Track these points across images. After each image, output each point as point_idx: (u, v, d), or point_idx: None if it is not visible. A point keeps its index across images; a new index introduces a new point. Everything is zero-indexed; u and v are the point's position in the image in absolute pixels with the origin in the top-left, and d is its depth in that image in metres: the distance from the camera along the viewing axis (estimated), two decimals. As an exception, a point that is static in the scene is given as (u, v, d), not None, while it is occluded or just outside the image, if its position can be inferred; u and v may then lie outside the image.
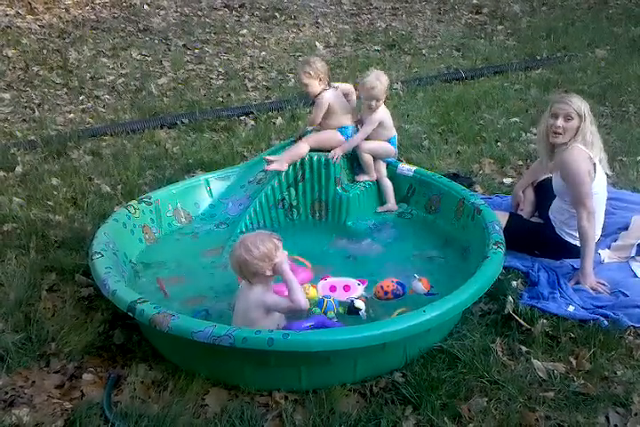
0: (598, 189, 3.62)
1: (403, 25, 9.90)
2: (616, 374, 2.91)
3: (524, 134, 5.66)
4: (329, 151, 4.24)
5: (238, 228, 4.15)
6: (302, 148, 4.25)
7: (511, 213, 4.04)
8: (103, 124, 6.19)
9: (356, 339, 2.68)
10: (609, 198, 3.85)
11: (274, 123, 6.09)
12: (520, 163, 5.13)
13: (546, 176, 4.14)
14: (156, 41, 8.91)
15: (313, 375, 2.83)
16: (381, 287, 3.40)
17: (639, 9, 10.29)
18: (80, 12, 9.84)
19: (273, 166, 4.22)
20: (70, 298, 3.45)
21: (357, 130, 4.32)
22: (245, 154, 5.36)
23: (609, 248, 3.88)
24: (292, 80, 7.43)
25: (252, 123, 6.16)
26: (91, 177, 4.97)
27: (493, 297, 3.39)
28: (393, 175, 4.38)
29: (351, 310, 3.26)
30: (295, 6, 10.55)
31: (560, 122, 3.58)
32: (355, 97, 4.36)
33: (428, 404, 2.69)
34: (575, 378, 2.88)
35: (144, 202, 4.01)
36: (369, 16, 10.38)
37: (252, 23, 9.83)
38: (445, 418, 2.64)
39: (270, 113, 6.31)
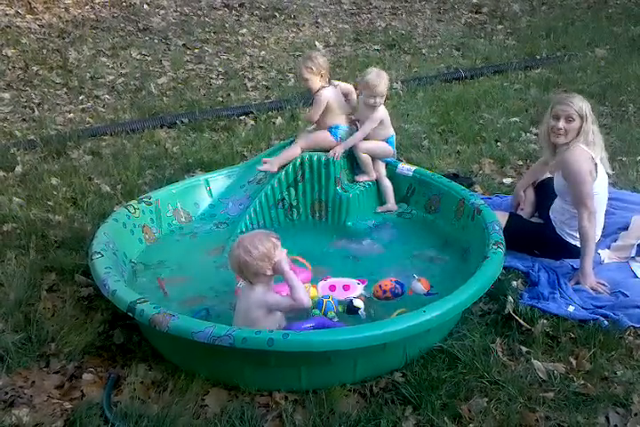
0: (599, 189, 3.62)
1: (402, 24, 9.89)
2: (616, 374, 2.91)
3: (523, 134, 5.66)
4: (325, 151, 4.25)
5: (238, 228, 4.15)
6: (294, 150, 4.27)
7: (511, 213, 4.04)
8: (103, 123, 6.19)
9: (356, 339, 2.68)
10: (609, 198, 3.85)
11: (273, 122, 6.09)
12: (520, 163, 5.13)
13: (546, 176, 4.14)
14: (156, 40, 8.91)
15: (313, 376, 2.83)
16: (380, 287, 3.41)
17: (639, 8, 10.29)
18: (80, 11, 9.83)
19: (264, 167, 4.26)
20: (70, 298, 3.45)
21: (357, 129, 4.32)
22: (245, 154, 5.36)
23: (609, 248, 3.88)
24: (292, 80, 7.43)
25: (252, 122, 6.16)
26: (90, 177, 4.97)
27: (493, 297, 3.39)
28: (392, 175, 4.38)
29: (350, 309, 3.26)
30: (295, 6, 10.54)
31: (562, 123, 3.59)
32: (355, 96, 4.35)
33: (428, 404, 2.69)
34: (575, 378, 2.88)
35: (144, 202, 4.01)
36: (369, 15, 10.37)
37: (251, 23, 9.83)
38: (445, 418, 2.64)
39: (270, 113, 6.31)
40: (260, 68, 7.98)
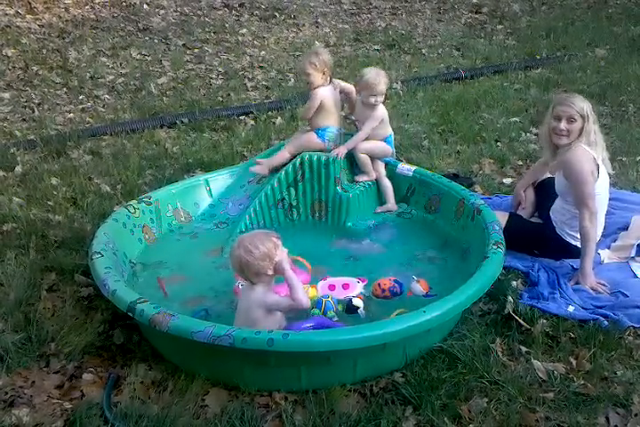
0: (601, 189, 3.62)
1: (402, 24, 9.90)
2: (616, 374, 2.91)
3: (523, 134, 5.66)
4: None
5: (238, 228, 4.15)
6: (282, 154, 4.31)
7: (511, 213, 4.04)
8: (103, 123, 6.19)
9: (356, 339, 2.68)
10: (609, 198, 3.85)
11: (273, 122, 6.09)
12: (520, 163, 5.14)
13: (546, 176, 4.14)
14: (156, 40, 8.91)
15: (313, 376, 2.83)
16: (379, 285, 3.42)
17: (639, 8, 10.29)
18: (80, 11, 9.83)
19: (256, 169, 4.33)
20: (70, 298, 3.45)
21: (357, 128, 4.33)
22: (245, 154, 5.36)
23: (609, 248, 3.88)
24: (292, 80, 7.43)
25: (252, 122, 6.16)
26: (90, 177, 4.97)
27: (493, 297, 3.39)
28: (392, 175, 4.38)
29: (349, 308, 3.26)
30: (295, 6, 10.54)
31: (563, 124, 3.58)
32: (355, 96, 4.36)
33: (429, 404, 2.69)
34: (575, 378, 2.88)
35: (144, 202, 4.01)
36: (369, 15, 10.38)
37: (251, 23, 9.83)
38: (445, 418, 2.64)
39: (270, 113, 6.31)
40: (260, 68, 7.98)
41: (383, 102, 4.26)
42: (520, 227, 3.86)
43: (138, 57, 8.26)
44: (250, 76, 7.65)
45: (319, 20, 10.03)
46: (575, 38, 8.63)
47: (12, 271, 3.62)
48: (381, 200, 4.40)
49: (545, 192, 4.01)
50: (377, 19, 10.19)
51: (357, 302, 3.27)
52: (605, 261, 3.78)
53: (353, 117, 4.46)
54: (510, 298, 3.31)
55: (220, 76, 7.69)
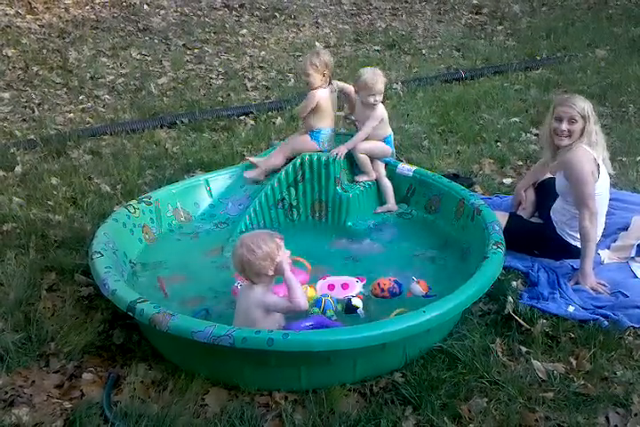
0: (601, 189, 3.62)
1: (403, 25, 9.90)
2: (616, 374, 2.91)
3: (523, 134, 5.66)
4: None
5: (238, 228, 4.15)
6: (277, 159, 4.33)
7: (511, 213, 4.04)
8: (103, 123, 6.19)
9: (356, 339, 2.68)
10: (609, 199, 3.85)
11: (273, 123, 6.09)
12: (520, 163, 5.14)
13: (547, 176, 4.14)
14: (156, 41, 8.91)
15: (313, 375, 2.83)
16: (378, 285, 3.42)
17: (639, 9, 10.30)
18: (80, 11, 9.83)
19: (250, 175, 4.34)
20: (70, 298, 3.45)
21: (357, 129, 4.34)
22: (245, 154, 5.35)
23: (609, 249, 3.88)
24: (292, 80, 7.43)
25: (252, 123, 6.16)
26: (90, 177, 4.97)
27: (493, 297, 3.39)
28: (392, 175, 4.38)
29: (349, 308, 3.26)
30: (295, 6, 10.54)
31: (565, 125, 3.58)
32: (354, 95, 4.37)
33: (428, 404, 2.69)
34: (575, 378, 2.88)
35: (144, 202, 4.01)
36: (369, 16, 10.38)
37: (251, 23, 9.83)
38: (445, 418, 2.64)
39: (270, 113, 6.31)
40: (260, 68, 7.99)
41: (383, 102, 4.27)
42: (520, 227, 3.86)
43: (138, 57, 8.26)
44: (250, 77, 7.65)
45: (319, 21, 10.03)
46: (575, 39, 8.63)
47: (12, 271, 3.62)
48: (381, 200, 4.40)
49: (545, 192, 4.01)
50: (377, 19, 10.20)
51: (357, 302, 3.28)
52: (605, 262, 3.78)
53: (353, 118, 4.47)
54: (510, 298, 3.31)
55: (220, 77, 7.70)
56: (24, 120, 6.28)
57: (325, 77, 4.19)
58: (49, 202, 4.51)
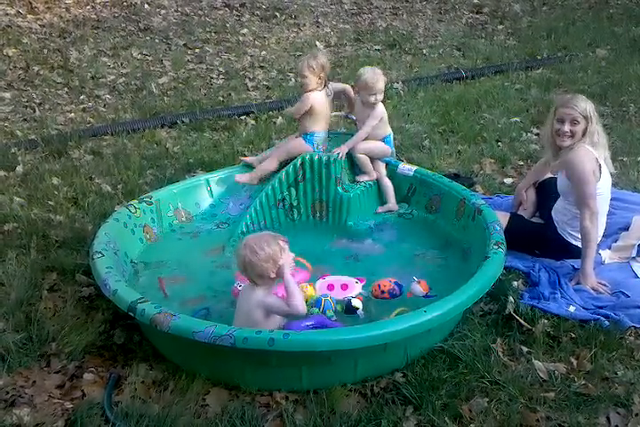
0: (603, 189, 3.62)
1: (403, 24, 9.89)
2: (617, 374, 2.91)
3: (524, 134, 5.66)
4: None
5: (239, 227, 4.15)
6: (271, 164, 4.32)
7: (512, 213, 4.04)
8: (104, 123, 6.18)
9: (357, 339, 2.68)
10: (610, 199, 3.85)
11: (274, 122, 6.09)
12: (521, 163, 5.14)
13: (548, 176, 4.14)
14: (157, 40, 8.91)
15: (314, 375, 2.83)
16: (378, 286, 3.42)
17: (640, 9, 10.30)
18: (81, 11, 9.83)
19: (242, 179, 4.32)
20: (71, 298, 3.46)
21: (357, 128, 4.34)
22: (246, 153, 5.35)
23: (610, 249, 3.87)
24: (293, 79, 7.43)
25: (253, 122, 6.16)
26: (91, 177, 4.97)
27: (494, 297, 3.39)
28: (393, 175, 4.38)
29: (349, 308, 3.26)
30: (295, 6, 10.53)
31: (567, 127, 3.58)
32: (352, 94, 4.40)
33: (429, 404, 2.70)
34: (576, 378, 2.88)
35: (145, 202, 4.01)
36: (369, 15, 10.37)
37: (252, 22, 9.82)
38: (446, 418, 2.64)
39: (271, 112, 6.31)
40: (261, 67, 7.98)
41: (383, 102, 4.27)
42: (521, 227, 3.86)
43: (139, 57, 8.26)
44: (250, 76, 7.65)
45: (320, 20, 10.02)
46: (576, 38, 8.62)
47: (13, 271, 3.62)
48: (382, 200, 4.40)
49: (546, 192, 4.01)
50: (378, 19, 10.19)
51: (357, 303, 3.27)
52: (606, 262, 3.78)
53: (353, 117, 4.47)
54: (511, 298, 3.31)
55: (221, 76, 7.69)
56: (25, 120, 6.28)
57: (321, 80, 4.19)
58: (50, 202, 4.51)
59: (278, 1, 10.65)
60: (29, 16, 9.38)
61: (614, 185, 4.25)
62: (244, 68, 7.96)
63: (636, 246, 3.80)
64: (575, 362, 2.98)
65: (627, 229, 3.99)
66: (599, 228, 3.64)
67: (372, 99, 4.12)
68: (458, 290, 2.97)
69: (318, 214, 4.34)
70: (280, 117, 6.16)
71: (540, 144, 5.13)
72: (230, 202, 4.38)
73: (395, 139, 4.50)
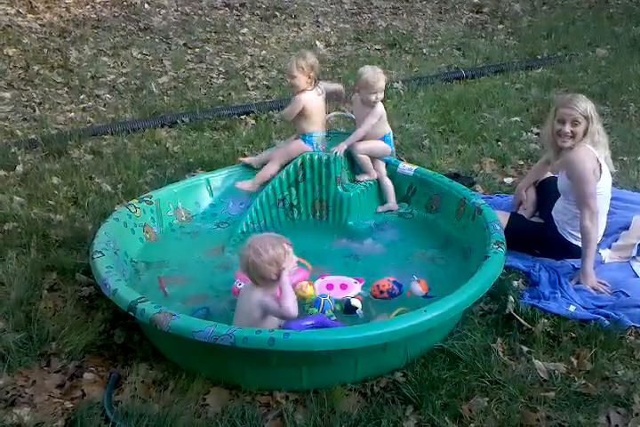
0: (603, 188, 3.62)
1: (403, 24, 9.88)
2: (617, 374, 2.91)
3: (524, 134, 5.66)
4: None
5: (239, 227, 4.16)
6: (271, 168, 4.31)
7: (512, 212, 4.04)
8: (104, 123, 6.18)
9: (357, 339, 2.68)
10: (610, 198, 3.85)
11: (274, 122, 6.09)
12: (521, 162, 5.13)
13: (548, 176, 4.14)
14: (157, 40, 8.90)
15: (314, 375, 2.83)
16: (377, 286, 3.42)
17: (640, 8, 10.30)
18: (80, 10, 9.82)
19: (244, 187, 4.31)
20: (71, 297, 3.45)
21: (356, 127, 4.34)
22: (246, 153, 5.35)
23: (610, 248, 3.87)
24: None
25: (253, 122, 6.16)
26: (91, 176, 4.97)
27: (494, 297, 3.39)
28: (393, 175, 4.38)
29: (348, 308, 3.26)
30: (296, 5, 10.53)
31: (568, 127, 3.58)
32: (343, 92, 4.44)
33: (429, 404, 2.70)
34: (576, 378, 2.88)
35: (145, 201, 4.01)
36: (369, 15, 10.36)
37: (252, 22, 9.82)
38: (446, 418, 2.64)
39: (271, 112, 6.31)
40: (261, 67, 7.98)
41: (383, 102, 4.27)
42: (521, 227, 3.86)
43: (139, 56, 8.25)
44: (250, 76, 7.64)
45: (320, 20, 10.02)
46: (576, 38, 8.62)
47: (13, 271, 3.62)
48: (382, 200, 4.40)
49: (546, 192, 4.01)
50: (378, 18, 10.18)
51: (356, 303, 3.27)
52: (606, 261, 3.78)
53: (348, 113, 4.47)
54: (511, 298, 3.31)
55: (221, 76, 7.69)
56: (25, 119, 6.28)
57: (311, 80, 4.19)
58: (50, 201, 4.51)
59: (278, 1, 10.65)
60: (29, 16, 9.38)
61: (614, 185, 4.25)
62: (244, 67, 7.95)
63: (637, 246, 3.80)
64: (575, 362, 2.98)
65: (627, 228, 3.99)
66: (599, 227, 3.64)
67: (373, 97, 4.13)
68: (458, 290, 2.97)
69: (318, 214, 4.34)
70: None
71: (540, 144, 5.13)
72: (230, 201, 4.38)
73: (395, 138, 4.50)
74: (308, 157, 4.24)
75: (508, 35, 9.22)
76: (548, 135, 3.77)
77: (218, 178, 4.42)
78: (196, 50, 8.60)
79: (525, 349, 3.06)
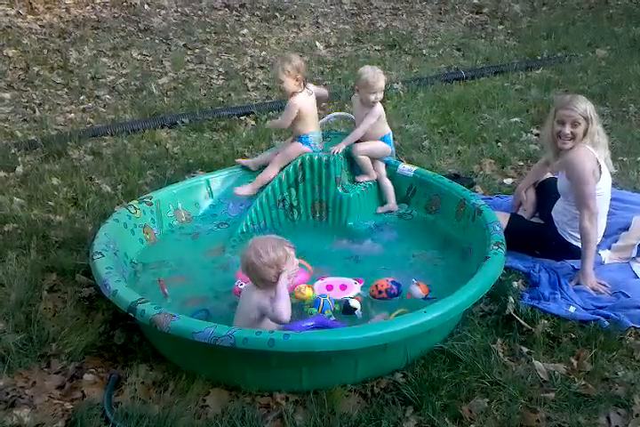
0: (603, 189, 3.62)
1: (403, 25, 9.89)
2: (617, 374, 2.91)
3: (524, 134, 5.66)
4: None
5: (239, 228, 4.16)
6: (271, 171, 4.30)
7: (512, 213, 4.04)
8: (104, 124, 6.18)
9: (357, 339, 2.68)
10: (610, 199, 3.85)
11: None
12: (520, 163, 5.13)
13: (548, 177, 4.14)
14: (157, 41, 8.91)
15: (314, 376, 2.83)
16: (376, 286, 3.42)
17: (640, 9, 10.30)
18: (80, 11, 9.83)
19: (243, 192, 4.31)
20: (71, 298, 3.46)
21: (355, 127, 4.35)
22: (246, 154, 5.35)
23: (610, 249, 3.87)
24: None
25: (253, 123, 6.16)
26: (91, 177, 4.97)
27: (494, 298, 3.39)
28: (393, 176, 4.38)
29: (347, 309, 3.26)
30: (295, 6, 10.53)
31: (568, 129, 3.58)
32: (328, 95, 4.49)
33: (429, 405, 2.70)
34: (576, 379, 2.88)
35: (145, 202, 4.01)
36: (369, 16, 10.37)
37: (252, 23, 9.82)
38: (446, 419, 2.64)
39: (271, 113, 6.31)
40: (261, 68, 7.98)
41: (383, 102, 4.28)
42: (521, 227, 3.86)
43: (139, 57, 8.26)
44: (250, 77, 7.65)
45: (320, 21, 10.02)
46: (576, 39, 8.62)
47: (13, 272, 3.62)
48: (382, 201, 4.40)
49: (546, 193, 4.01)
50: (377, 19, 10.18)
51: (355, 304, 3.27)
52: (606, 262, 3.78)
53: (343, 114, 4.50)
54: (511, 298, 3.31)
55: (221, 77, 7.69)
56: (25, 120, 6.28)
57: (299, 82, 4.19)
58: (50, 202, 4.51)
59: (278, 1, 10.66)
60: (29, 16, 9.38)
61: (614, 185, 4.25)
62: (243, 68, 7.96)
63: (636, 247, 3.80)
64: (575, 362, 2.98)
65: (627, 229, 3.99)
66: (599, 228, 3.64)
67: (373, 97, 4.13)
68: (458, 290, 2.97)
69: (318, 215, 4.34)
70: (280, 118, 6.13)
71: (540, 144, 5.13)
72: (230, 202, 4.38)
73: (394, 139, 4.50)
74: (307, 157, 4.24)
75: (507, 35, 9.22)
76: (547, 136, 3.77)
77: (218, 179, 4.42)
78: (196, 51, 8.60)
79: (525, 350, 3.06)
